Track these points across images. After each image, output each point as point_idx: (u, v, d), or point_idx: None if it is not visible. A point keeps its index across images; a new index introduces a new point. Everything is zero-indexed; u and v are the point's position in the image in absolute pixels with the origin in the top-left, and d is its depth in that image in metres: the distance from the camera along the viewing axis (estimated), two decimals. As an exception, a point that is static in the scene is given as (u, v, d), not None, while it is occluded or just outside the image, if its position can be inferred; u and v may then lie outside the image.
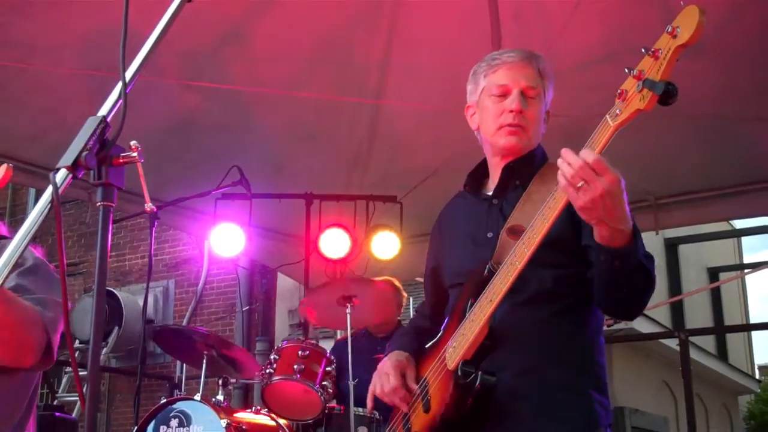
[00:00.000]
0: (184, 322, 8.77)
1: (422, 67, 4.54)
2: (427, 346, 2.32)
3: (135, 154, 1.45)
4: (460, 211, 2.42)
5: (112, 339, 8.33)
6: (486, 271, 2.10)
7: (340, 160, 5.55)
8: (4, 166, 1.73)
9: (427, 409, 2.18)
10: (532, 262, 1.95)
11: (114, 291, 8.65)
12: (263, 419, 4.18)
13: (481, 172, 2.40)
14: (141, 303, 6.48)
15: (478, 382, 2.02)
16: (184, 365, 4.88)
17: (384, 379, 2.31)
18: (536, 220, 1.94)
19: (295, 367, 4.03)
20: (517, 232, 2.07)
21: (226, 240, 5.50)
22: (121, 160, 1.44)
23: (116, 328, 8.39)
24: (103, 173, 1.42)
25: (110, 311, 8.30)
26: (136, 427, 4.05)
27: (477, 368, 2.04)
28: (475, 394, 2.02)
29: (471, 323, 2.07)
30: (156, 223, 4.73)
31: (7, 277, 1.40)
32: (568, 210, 1.88)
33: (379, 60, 4.60)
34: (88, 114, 4.40)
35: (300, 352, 4.08)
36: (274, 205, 5.70)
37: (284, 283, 8.06)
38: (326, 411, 4.14)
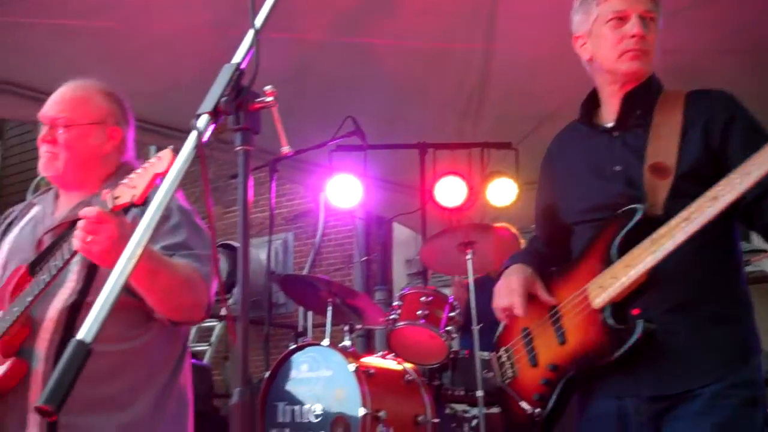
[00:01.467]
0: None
1: (532, 10, 4.44)
2: (553, 273, 2.29)
3: (270, 98, 1.48)
4: (576, 145, 2.35)
5: (236, 291, 8.57)
6: (640, 214, 2.05)
7: (453, 108, 5.51)
8: (168, 151, 1.77)
9: (562, 341, 2.17)
10: (676, 194, 1.91)
11: (236, 245, 8.85)
12: (390, 363, 4.25)
13: (592, 102, 2.33)
14: (262, 256, 6.68)
15: (640, 331, 1.99)
16: (309, 314, 5.03)
17: (508, 294, 2.29)
18: (730, 180, 1.87)
19: (419, 312, 4.08)
20: (661, 170, 2.02)
21: (343, 191, 5.58)
22: (257, 105, 1.48)
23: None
24: (241, 119, 1.46)
25: (233, 265, 8.57)
26: (268, 373, 4.20)
27: (629, 312, 2.01)
28: (636, 342, 1.99)
29: (626, 267, 2.03)
30: (275, 176, 4.83)
31: (156, 227, 1.43)
32: (704, 137, 1.83)
33: (488, 5, 4.53)
34: (203, 73, 4.48)
35: (423, 298, 4.13)
36: (388, 156, 5.73)
37: (400, 232, 8.12)
38: (451, 356, 4.19)
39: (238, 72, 1.46)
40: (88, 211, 1.87)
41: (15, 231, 2.39)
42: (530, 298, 2.29)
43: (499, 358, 2.41)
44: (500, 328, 2.45)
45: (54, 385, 1.20)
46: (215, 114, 1.41)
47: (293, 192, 9.24)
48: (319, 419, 4.02)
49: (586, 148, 2.30)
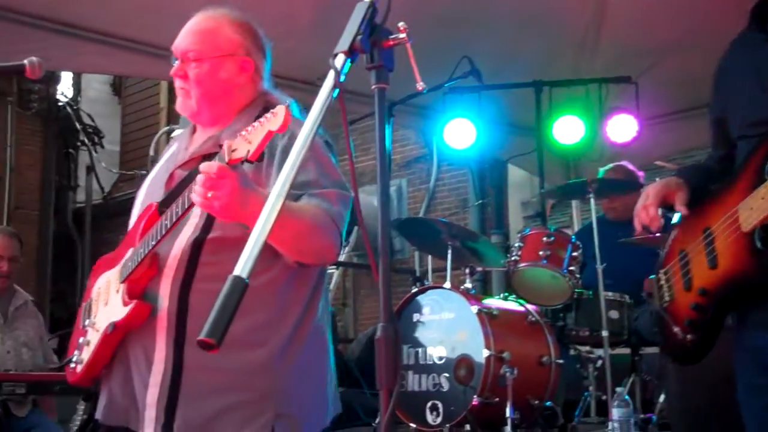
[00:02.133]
0: (419, 220, 8.97)
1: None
2: (712, 191, 2.21)
3: (403, 35, 1.47)
4: (745, 54, 2.22)
5: (352, 238, 8.73)
6: None
7: (569, 43, 5.35)
8: (282, 107, 1.66)
9: (713, 265, 2.09)
10: None
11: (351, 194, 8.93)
12: (512, 305, 4.24)
13: (764, 7, 2.18)
14: (376, 202, 6.69)
15: None
16: (429, 258, 5.06)
17: (642, 200, 2.25)
18: None
19: (541, 253, 4.04)
20: None
21: (457, 135, 5.54)
22: (391, 42, 1.47)
23: (355, 227, 8.77)
24: (376, 56, 1.45)
25: (351, 211, 8.64)
26: (391, 315, 4.25)
27: None
28: None
29: None
30: (392, 120, 4.83)
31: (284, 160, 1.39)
32: None
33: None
34: (317, 21, 4.43)
35: (544, 239, 4.08)
36: (502, 96, 5.64)
37: (516, 174, 8.02)
38: (575, 296, 4.14)
39: (372, 9, 1.44)
40: (207, 166, 1.81)
41: (155, 168, 2.38)
42: (687, 217, 2.22)
43: (658, 280, 2.33)
44: (664, 250, 2.37)
45: (214, 319, 1.24)
46: (351, 52, 1.41)
47: (405, 138, 9.24)
48: (442, 361, 4.06)
49: (754, 57, 2.17)
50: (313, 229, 1.97)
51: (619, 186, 4.64)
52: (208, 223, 2.06)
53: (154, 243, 2.05)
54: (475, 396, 3.83)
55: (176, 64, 2.23)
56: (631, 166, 5.14)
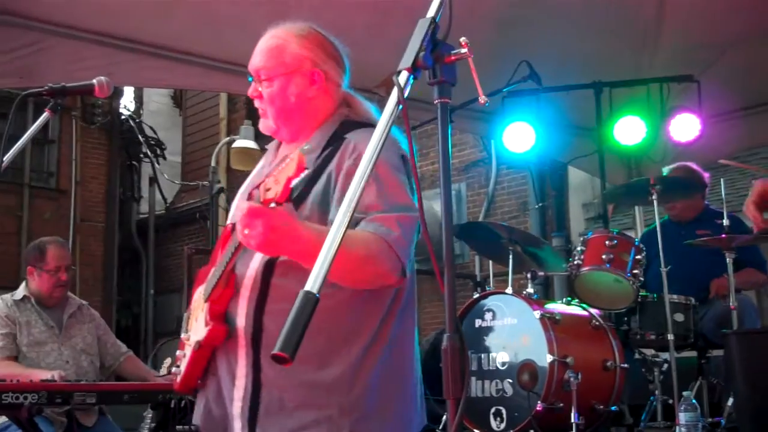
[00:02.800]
0: (478, 224, 8.93)
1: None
2: None
3: (465, 50, 1.48)
4: None
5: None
6: None
7: (628, 43, 5.29)
8: (297, 152, 1.66)
9: None
10: None
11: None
12: (575, 309, 4.21)
13: None
14: (435, 207, 6.72)
15: None
16: (490, 263, 5.05)
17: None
18: None
19: (604, 257, 4.01)
20: None
21: (516, 138, 5.53)
22: (452, 58, 1.49)
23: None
24: (438, 72, 1.47)
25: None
26: (453, 321, 4.25)
27: None
28: None
29: None
30: (451, 125, 4.84)
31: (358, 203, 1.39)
32: None
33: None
34: (372, 29, 4.45)
35: (607, 242, 4.05)
36: (561, 98, 5.60)
37: (576, 176, 7.95)
38: (639, 299, 4.09)
39: (433, 26, 1.46)
40: (243, 206, 1.82)
41: (248, 178, 2.37)
42: None
43: None
44: None
45: (287, 334, 1.27)
46: (414, 69, 1.43)
47: (463, 142, 9.23)
48: (505, 367, 4.04)
49: None
50: (366, 259, 1.93)
51: (681, 185, 4.56)
52: None
53: (224, 266, 2.10)
54: (539, 401, 3.81)
55: (253, 83, 2.24)
56: (695, 166, 5.06)
